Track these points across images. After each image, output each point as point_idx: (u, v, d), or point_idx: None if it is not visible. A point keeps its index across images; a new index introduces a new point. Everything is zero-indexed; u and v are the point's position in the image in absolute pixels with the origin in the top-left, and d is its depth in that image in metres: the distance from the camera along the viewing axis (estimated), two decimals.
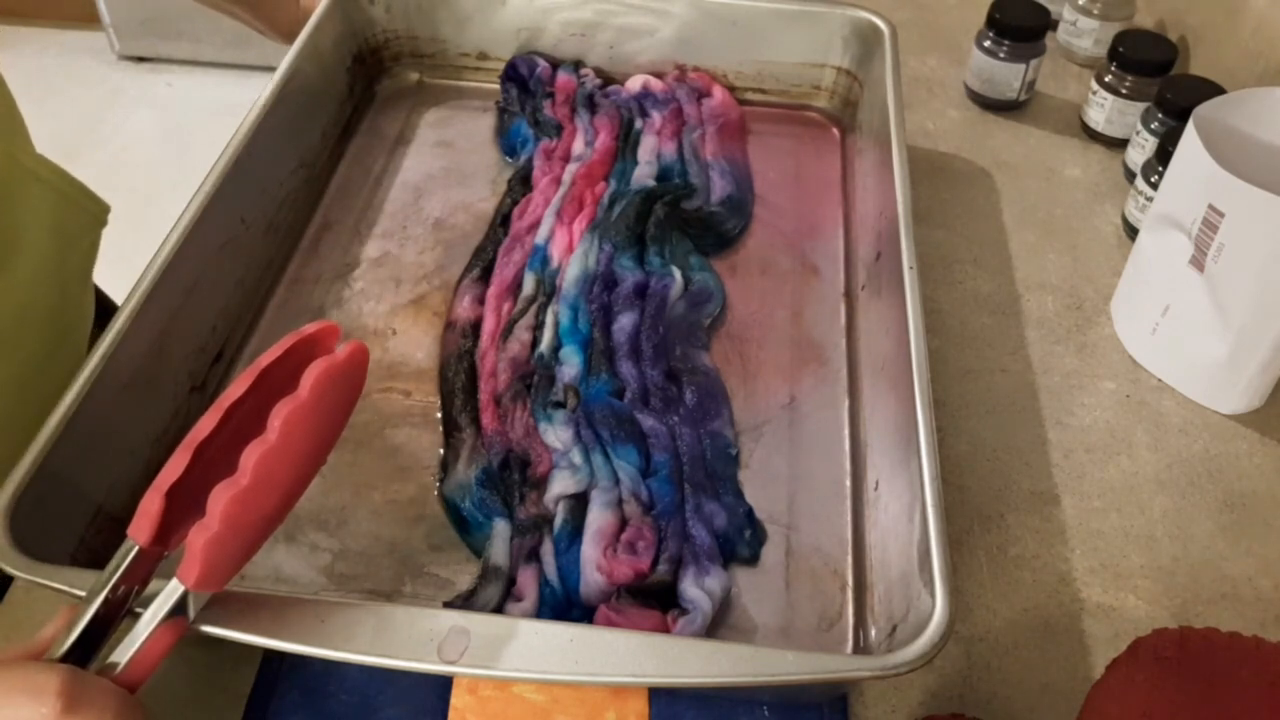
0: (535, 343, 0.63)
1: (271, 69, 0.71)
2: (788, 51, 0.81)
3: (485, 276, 0.68)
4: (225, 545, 0.40)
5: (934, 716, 0.49)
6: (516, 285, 0.67)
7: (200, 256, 0.61)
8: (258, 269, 0.68)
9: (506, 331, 0.64)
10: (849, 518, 0.57)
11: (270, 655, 0.50)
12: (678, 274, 0.67)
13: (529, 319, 0.65)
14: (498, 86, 0.82)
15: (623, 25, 0.81)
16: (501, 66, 0.82)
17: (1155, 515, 0.60)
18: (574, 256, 0.68)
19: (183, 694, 0.49)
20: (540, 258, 0.68)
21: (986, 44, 0.85)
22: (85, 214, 0.68)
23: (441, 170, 0.78)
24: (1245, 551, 0.58)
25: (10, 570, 0.44)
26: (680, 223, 0.71)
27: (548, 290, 0.66)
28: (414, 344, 0.65)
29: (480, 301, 0.66)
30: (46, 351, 0.64)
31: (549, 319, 0.64)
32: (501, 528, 0.54)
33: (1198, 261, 0.61)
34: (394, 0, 0.82)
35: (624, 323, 0.64)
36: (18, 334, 0.62)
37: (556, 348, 0.63)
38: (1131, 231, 0.74)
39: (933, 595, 0.43)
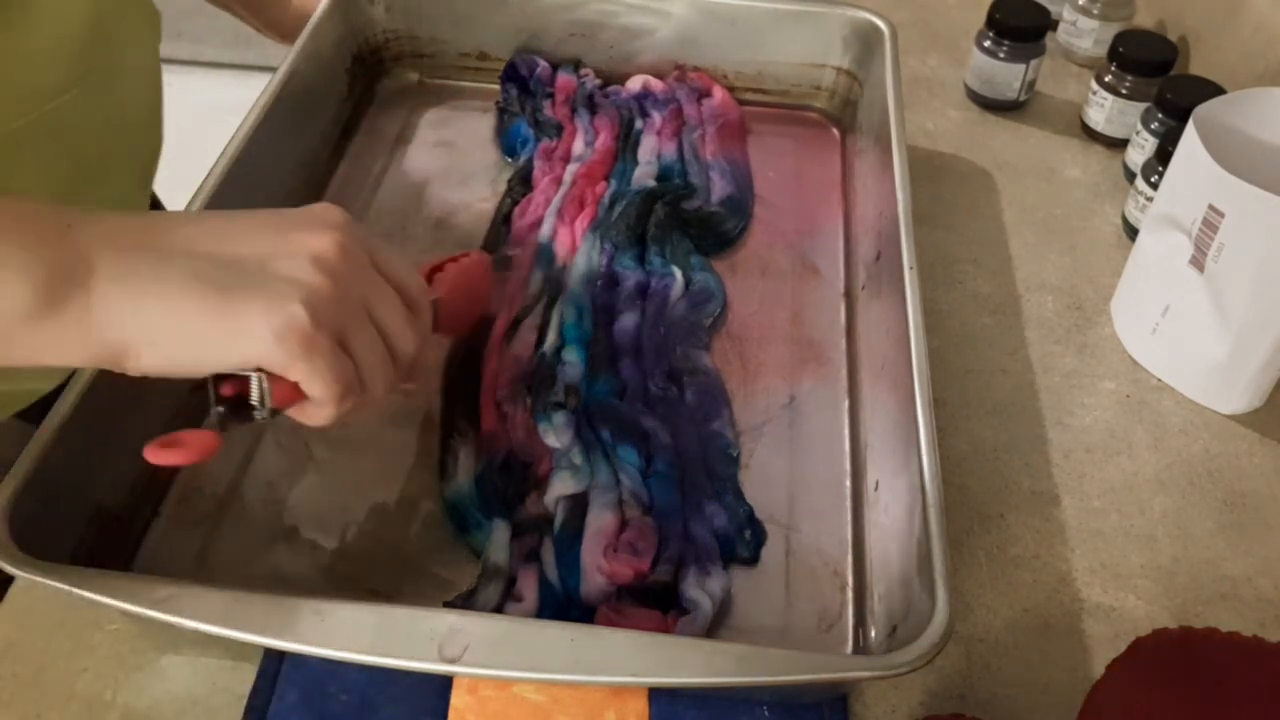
0: (539, 342, 0.63)
1: (271, 69, 0.71)
2: (788, 51, 0.81)
3: None
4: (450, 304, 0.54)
5: (934, 716, 0.49)
6: (521, 283, 0.67)
7: None
8: None
9: (511, 330, 0.64)
10: (849, 518, 0.57)
11: (270, 655, 0.50)
12: (678, 274, 0.67)
13: (535, 317, 0.64)
14: (498, 87, 0.82)
15: (623, 25, 0.81)
16: (501, 67, 0.82)
17: (1155, 515, 0.60)
18: (578, 256, 0.68)
19: (183, 694, 0.49)
20: (547, 257, 0.68)
21: (986, 44, 0.85)
22: (151, 24, 0.71)
23: (441, 170, 0.78)
24: (1245, 551, 0.58)
25: (10, 569, 0.44)
26: (681, 223, 0.71)
27: (552, 290, 0.66)
28: None
29: None
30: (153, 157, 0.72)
31: (554, 318, 0.64)
32: (501, 528, 0.54)
33: (1198, 261, 0.61)
34: (394, 0, 0.82)
35: (625, 323, 0.64)
36: (135, 136, 0.69)
37: (559, 347, 0.63)
38: (1131, 231, 0.74)
39: (933, 595, 0.43)
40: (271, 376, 0.43)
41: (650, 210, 0.71)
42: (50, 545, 0.46)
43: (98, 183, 0.66)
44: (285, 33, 0.83)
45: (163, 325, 0.40)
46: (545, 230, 0.70)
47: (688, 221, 0.71)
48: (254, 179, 0.66)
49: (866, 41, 0.77)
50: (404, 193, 0.76)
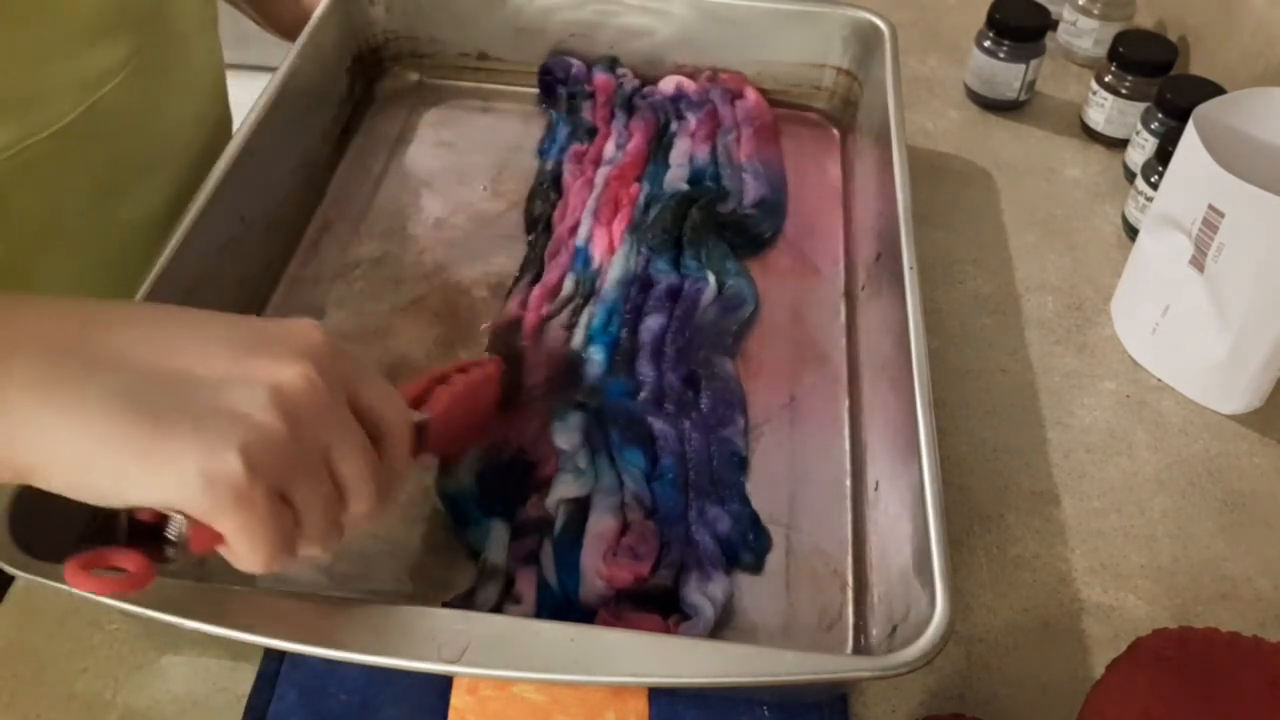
0: (567, 341, 0.63)
1: (271, 69, 0.71)
2: (788, 51, 0.81)
3: (535, 280, 0.68)
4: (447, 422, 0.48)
5: (934, 716, 0.49)
6: (559, 287, 0.67)
7: (200, 256, 0.60)
8: (258, 269, 0.68)
9: (541, 330, 0.64)
10: (849, 518, 0.57)
11: (270, 655, 0.50)
12: (711, 278, 0.67)
13: (564, 318, 0.64)
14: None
15: (623, 25, 0.81)
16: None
17: (1155, 515, 0.60)
18: (615, 259, 0.68)
19: (183, 694, 0.49)
20: (583, 259, 0.68)
21: (986, 44, 0.85)
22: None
23: (441, 170, 0.78)
24: (1245, 551, 0.58)
25: (11, 570, 0.44)
26: (717, 226, 0.71)
27: (586, 292, 0.66)
28: (414, 344, 0.65)
29: (524, 305, 0.66)
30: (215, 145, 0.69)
31: (584, 319, 0.64)
32: (499, 528, 0.54)
33: (1198, 261, 0.61)
34: (394, 0, 0.82)
35: (650, 324, 0.64)
36: (189, 130, 0.68)
37: (582, 349, 0.63)
38: (1131, 231, 0.74)
39: (933, 596, 0.43)
40: (194, 520, 0.37)
41: (685, 214, 0.70)
42: (50, 545, 0.46)
43: (132, 189, 0.63)
44: (286, 30, 0.83)
45: (75, 449, 0.34)
46: (582, 233, 0.70)
47: (723, 225, 0.71)
48: (254, 179, 0.66)
49: (866, 41, 0.77)
50: (404, 193, 0.76)
